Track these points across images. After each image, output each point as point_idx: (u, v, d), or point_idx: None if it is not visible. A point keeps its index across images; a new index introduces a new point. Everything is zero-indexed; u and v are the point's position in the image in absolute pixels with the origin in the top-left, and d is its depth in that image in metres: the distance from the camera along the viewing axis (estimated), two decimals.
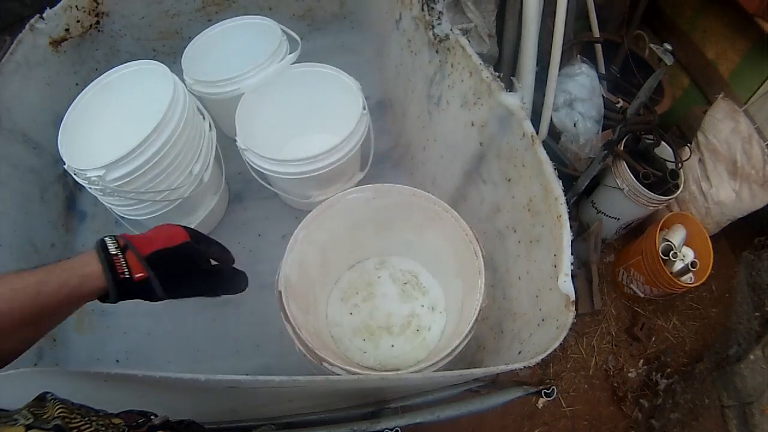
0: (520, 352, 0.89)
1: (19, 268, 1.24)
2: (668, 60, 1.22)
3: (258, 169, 1.20)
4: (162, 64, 1.20)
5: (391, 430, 0.73)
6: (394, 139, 1.54)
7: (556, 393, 0.85)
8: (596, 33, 1.93)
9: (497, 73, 0.94)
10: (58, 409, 0.48)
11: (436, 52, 1.15)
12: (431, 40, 1.14)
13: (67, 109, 1.19)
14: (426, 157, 1.34)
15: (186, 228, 0.72)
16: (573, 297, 0.78)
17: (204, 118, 1.28)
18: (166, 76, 1.18)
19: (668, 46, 1.22)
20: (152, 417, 0.59)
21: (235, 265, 1.49)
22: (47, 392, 0.51)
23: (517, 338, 0.95)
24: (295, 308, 0.92)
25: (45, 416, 0.46)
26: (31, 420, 0.44)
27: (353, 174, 1.34)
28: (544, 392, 0.83)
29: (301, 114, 1.40)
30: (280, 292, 0.91)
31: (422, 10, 1.17)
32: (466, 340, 0.88)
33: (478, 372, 0.67)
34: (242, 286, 0.81)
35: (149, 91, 1.24)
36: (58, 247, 1.42)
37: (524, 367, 0.69)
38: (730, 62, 1.83)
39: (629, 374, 1.86)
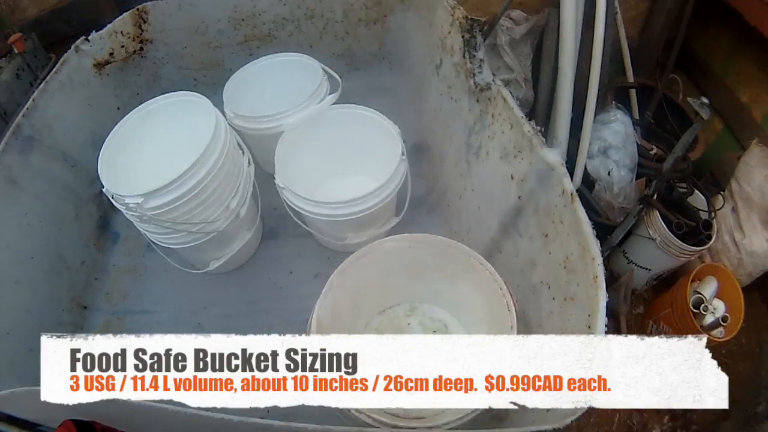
0: (548, 411, 0.87)
1: (48, 281, 1.26)
2: (705, 114, 1.20)
3: (295, 208, 1.21)
4: (205, 98, 1.23)
5: None
6: (431, 184, 1.53)
7: None
8: (630, 77, 1.92)
9: (539, 127, 0.94)
10: None
11: (477, 101, 1.15)
12: (472, 89, 1.15)
13: (108, 132, 1.21)
14: (462, 206, 1.33)
15: None
16: None
17: (243, 153, 1.29)
18: (209, 109, 1.20)
19: (705, 100, 1.20)
20: None
21: (262, 302, 1.51)
22: None
23: None
24: None
25: None
26: None
27: (389, 218, 1.34)
28: None
29: (339, 155, 1.41)
30: None
31: (463, 57, 1.18)
32: None
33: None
34: None
35: (191, 122, 1.27)
36: (88, 265, 1.44)
37: (554, 428, 0.68)
38: (765, 105, 1.76)
39: (653, 431, 1.80)
